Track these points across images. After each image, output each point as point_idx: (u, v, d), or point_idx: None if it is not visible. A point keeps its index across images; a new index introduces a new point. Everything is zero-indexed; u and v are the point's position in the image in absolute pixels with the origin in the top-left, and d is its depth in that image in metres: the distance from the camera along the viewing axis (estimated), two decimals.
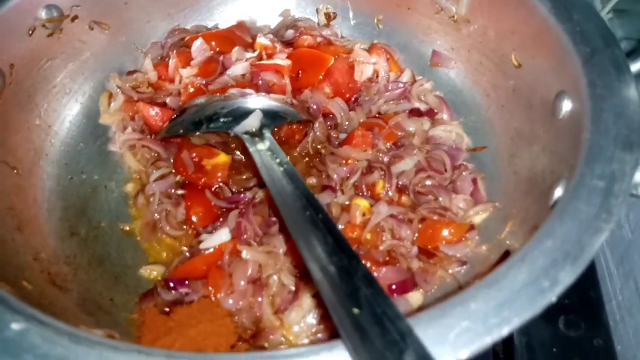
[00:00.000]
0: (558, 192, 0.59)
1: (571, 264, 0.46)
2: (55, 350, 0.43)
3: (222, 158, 0.82)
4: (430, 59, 0.93)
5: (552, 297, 0.44)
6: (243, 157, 0.83)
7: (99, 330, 0.52)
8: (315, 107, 0.87)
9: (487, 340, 0.42)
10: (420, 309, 0.67)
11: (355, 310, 0.44)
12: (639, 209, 0.78)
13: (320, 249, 0.53)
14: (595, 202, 0.50)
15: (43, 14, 0.80)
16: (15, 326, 0.44)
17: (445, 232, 0.74)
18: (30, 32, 0.79)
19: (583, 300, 0.80)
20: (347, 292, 0.47)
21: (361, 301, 0.45)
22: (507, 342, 0.74)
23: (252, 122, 0.78)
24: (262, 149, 0.74)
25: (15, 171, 0.76)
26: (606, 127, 0.56)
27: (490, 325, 0.43)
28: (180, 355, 0.42)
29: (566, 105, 0.65)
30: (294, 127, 0.86)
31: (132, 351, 0.42)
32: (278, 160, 0.70)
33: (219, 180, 0.80)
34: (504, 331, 0.42)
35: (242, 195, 0.78)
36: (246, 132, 0.77)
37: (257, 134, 0.77)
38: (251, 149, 0.74)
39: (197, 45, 0.90)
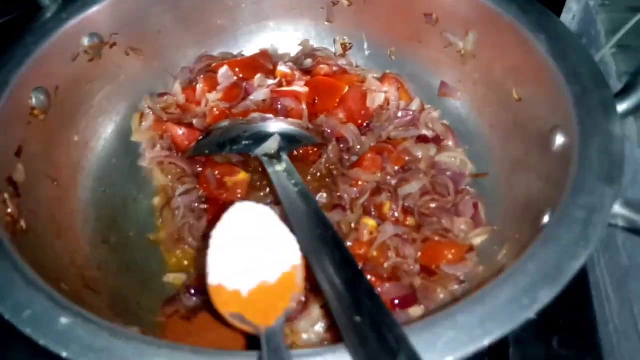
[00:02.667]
0: (545, 219, 0.64)
1: (550, 285, 0.51)
2: (98, 342, 0.49)
3: (242, 176, 0.88)
4: (438, 90, 0.99)
5: (530, 314, 0.50)
6: (261, 175, 0.90)
7: (134, 327, 0.59)
8: (329, 131, 0.94)
9: (471, 348, 0.48)
10: None
11: (357, 318, 0.50)
12: (634, 236, 0.83)
13: (329, 263, 0.59)
14: (575, 230, 0.56)
15: (86, 42, 0.88)
16: (64, 320, 0.51)
17: (446, 252, 0.79)
18: (74, 57, 0.87)
19: (577, 322, 0.85)
20: (350, 301, 0.53)
21: (363, 311, 0.51)
22: (502, 358, 0.80)
23: (271, 145, 0.85)
24: (279, 170, 0.81)
25: (55, 183, 0.83)
26: (591, 162, 0.62)
27: (474, 336, 0.48)
28: (204, 352, 0.49)
29: (559, 139, 0.71)
30: (309, 148, 0.93)
31: (163, 346, 0.49)
32: (293, 182, 0.77)
33: (239, 196, 0.86)
34: (486, 341, 0.48)
35: None
36: (265, 154, 0.84)
37: (275, 156, 0.84)
38: (269, 170, 0.81)
39: (223, 72, 0.98)
